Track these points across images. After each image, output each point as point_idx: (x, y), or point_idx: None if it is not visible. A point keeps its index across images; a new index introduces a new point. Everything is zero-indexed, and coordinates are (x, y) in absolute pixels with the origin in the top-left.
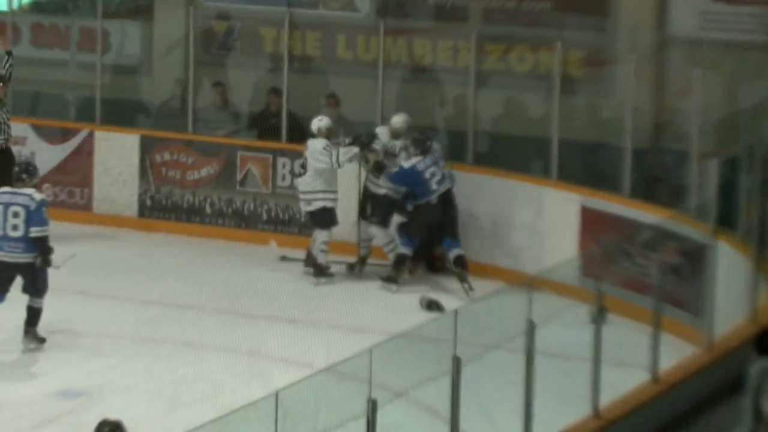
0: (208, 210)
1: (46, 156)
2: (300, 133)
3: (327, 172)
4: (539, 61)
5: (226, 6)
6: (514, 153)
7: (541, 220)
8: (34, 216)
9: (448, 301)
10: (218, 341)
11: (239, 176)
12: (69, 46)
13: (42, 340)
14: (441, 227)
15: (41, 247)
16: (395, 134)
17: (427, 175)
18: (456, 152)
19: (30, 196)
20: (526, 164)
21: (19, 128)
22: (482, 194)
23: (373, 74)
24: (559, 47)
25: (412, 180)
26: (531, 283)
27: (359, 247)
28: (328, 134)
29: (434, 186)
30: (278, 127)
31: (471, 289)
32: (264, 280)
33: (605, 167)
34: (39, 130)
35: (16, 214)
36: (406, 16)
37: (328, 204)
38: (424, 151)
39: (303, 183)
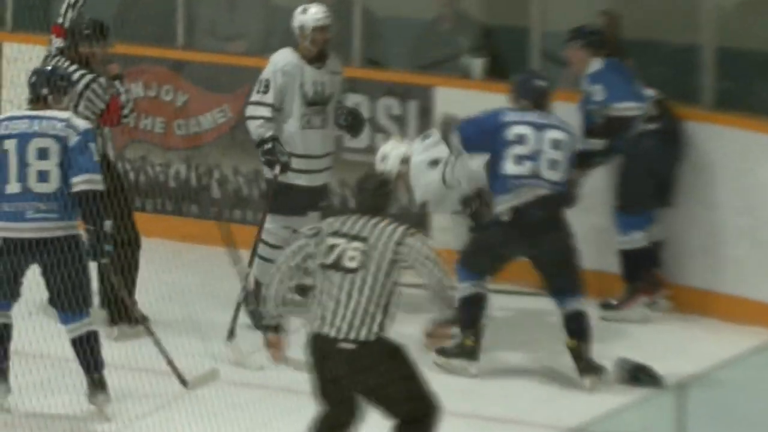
0: (214, 192)
1: None
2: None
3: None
4: None
5: None
6: None
7: None
8: (78, 155)
9: (663, 363)
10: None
11: None
12: None
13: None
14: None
15: (90, 213)
16: None
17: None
18: (675, 85)
19: (67, 121)
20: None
21: None
22: (723, 160)
23: None
24: None
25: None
26: None
27: None
28: None
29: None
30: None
31: (593, 376)
32: None
33: None
34: None
35: (42, 153)
36: None
37: None
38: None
39: None
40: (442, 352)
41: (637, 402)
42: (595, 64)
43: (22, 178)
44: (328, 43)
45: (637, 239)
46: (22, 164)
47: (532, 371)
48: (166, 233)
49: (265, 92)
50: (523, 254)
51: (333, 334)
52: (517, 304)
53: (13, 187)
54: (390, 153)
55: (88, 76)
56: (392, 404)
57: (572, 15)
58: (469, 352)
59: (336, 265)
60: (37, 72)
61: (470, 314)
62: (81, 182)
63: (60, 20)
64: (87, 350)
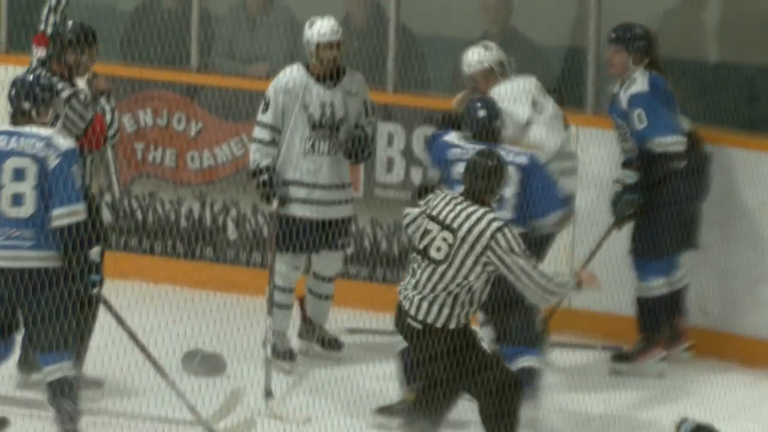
0: (230, 233)
1: None
2: (417, 73)
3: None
4: None
5: None
6: None
7: None
8: (58, 182)
9: (728, 425)
10: None
11: None
12: None
13: None
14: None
15: (72, 248)
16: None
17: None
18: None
19: (48, 140)
20: None
21: None
22: (753, 189)
23: None
24: None
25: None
26: None
27: None
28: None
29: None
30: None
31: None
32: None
33: None
34: None
35: (19, 174)
36: None
37: None
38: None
39: None
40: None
41: None
42: (639, 78)
43: None
44: (338, 60)
45: (658, 286)
46: None
47: None
48: (177, 279)
49: (265, 111)
50: None
51: (406, 307)
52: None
53: None
54: (473, 58)
55: (68, 91)
56: (473, 393)
57: None
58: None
59: (424, 252)
60: (17, 82)
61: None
62: (61, 215)
63: (41, 27)
64: (63, 398)
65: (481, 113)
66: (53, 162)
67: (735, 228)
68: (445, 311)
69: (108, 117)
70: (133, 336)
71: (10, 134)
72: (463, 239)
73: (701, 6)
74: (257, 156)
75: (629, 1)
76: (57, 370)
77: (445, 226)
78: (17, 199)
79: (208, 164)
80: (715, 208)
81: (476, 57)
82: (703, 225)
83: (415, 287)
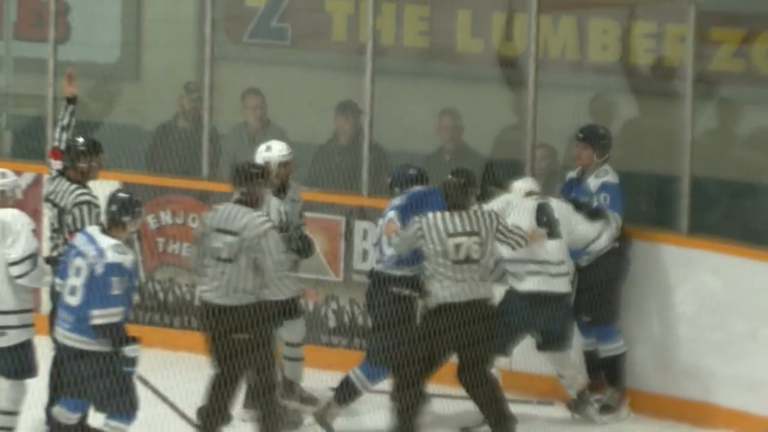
0: None
1: None
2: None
3: None
4: None
5: None
6: (759, 214)
7: None
8: (98, 288)
9: None
10: None
11: None
12: (1, 32)
13: None
14: None
15: (113, 343)
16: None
17: None
18: (655, 214)
19: (102, 251)
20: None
21: None
22: (701, 282)
23: (515, 79)
24: None
25: None
26: None
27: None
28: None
29: None
30: (355, 169)
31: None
32: None
33: None
34: None
35: (78, 271)
36: None
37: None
38: None
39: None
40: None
41: None
42: (610, 171)
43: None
44: (290, 175)
45: (621, 345)
46: (65, 275)
47: None
48: (192, 348)
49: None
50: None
51: (470, 296)
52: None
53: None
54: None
55: (86, 197)
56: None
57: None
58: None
59: (467, 260)
60: (114, 199)
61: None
62: (97, 316)
63: (56, 144)
64: None
65: (411, 171)
66: (99, 269)
67: (645, 306)
68: (489, 284)
69: None
70: (169, 403)
71: (89, 239)
72: (486, 233)
73: (609, 119)
74: None
75: (556, 121)
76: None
77: (469, 233)
78: (72, 291)
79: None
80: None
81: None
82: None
83: (468, 281)
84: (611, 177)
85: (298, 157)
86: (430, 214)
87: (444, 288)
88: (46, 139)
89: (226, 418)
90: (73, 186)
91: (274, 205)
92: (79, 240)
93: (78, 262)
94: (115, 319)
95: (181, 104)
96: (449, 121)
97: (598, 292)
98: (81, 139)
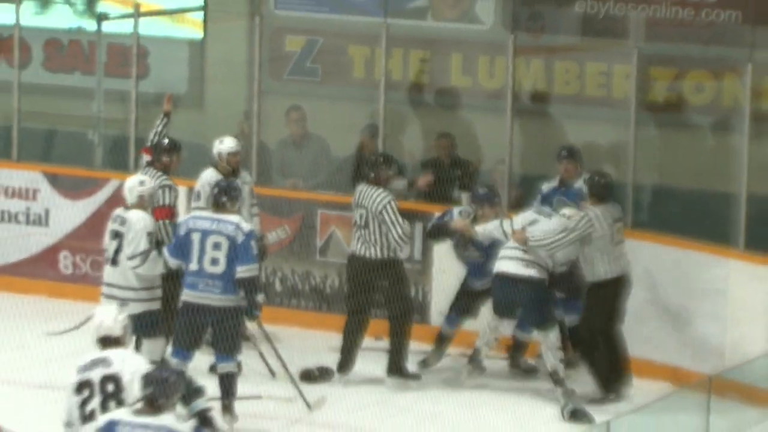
0: (277, 287)
1: (64, 215)
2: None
3: None
4: (722, 91)
5: (302, 16)
6: (685, 213)
7: (723, 303)
8: (242, 251)
9: (599, 411)
10: None
11: (319, 242)
12: (94, 70)
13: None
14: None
15: (249, 292)
16: None
17: None
18: None
19: (237, 225)
20: (702, 229)
21: (28, 177)
22: (641, 267)
23: (498, 107)
24: (749, 72)
25: None
26: (709, 386)
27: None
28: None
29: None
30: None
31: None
32: (352, 380)
33: None
34: (54, 179)
35: (217, 246)
36: (544, 30)
37: None
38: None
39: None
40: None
41: None
42: (579, 182)
43: (200, 260)
44: (238, 163)
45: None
46: (201, 250)
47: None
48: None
49: (198, 200)
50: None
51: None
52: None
53: (193, 266)
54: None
55: (167, 182)
56: None
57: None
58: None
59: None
60: (218, 185)
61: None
62: (243, 271)
63: (148, 143)
64: (227, 383)
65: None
66: (240, 238)
67: None
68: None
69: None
70: (275, 350)
71: (212, 220)
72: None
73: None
74: None
75: (526, 139)
76: (227, 367)
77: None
78: (214, 261)
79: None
80: None
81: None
82: None
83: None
84: (579, 181)
85: (329, 165)
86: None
87: (604, 264)
88: (128, 155)
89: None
90: (158, 173)
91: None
92: (200, 223)
93: (215, 239)
94: (255, 273)
95: (242, 128)
96: (445, 142)
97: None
98: (166, 140)
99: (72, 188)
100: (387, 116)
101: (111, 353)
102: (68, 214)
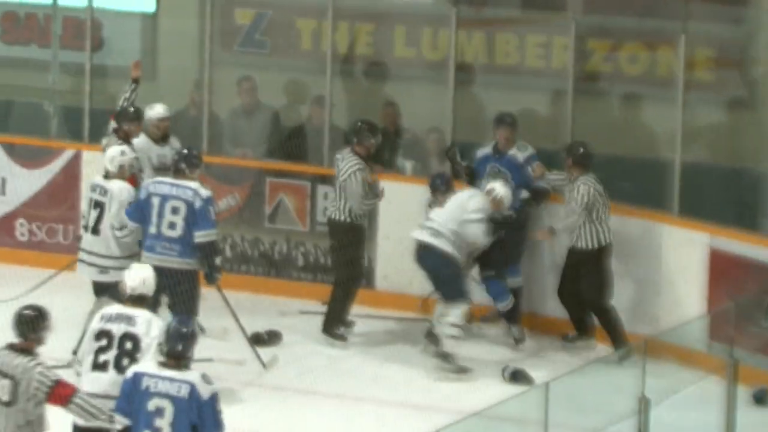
0: (227, 253)
1: (20, 183)
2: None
3: None
4: (657, 62)
5: None
6: (622, 180)
7: (658, 267)
8: (201, 217)
9: (538, 371)
10: (246, 422)
11: (268, 210)
12: (50, 42)
13: None
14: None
15: (207, 256)
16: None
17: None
18: None
19: (195, 191)
20: (639, 195)
21: None
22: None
23: (441, 78)
24: (682, 43)
25: None
26: (645, 348)
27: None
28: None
29: None
30: (319, 146)
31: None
32: (300, 344)
33: (744, 199)
34: (11, 149)
35: (175, 210)
36: (486, 3)
37: None
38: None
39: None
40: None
41: (516, 395)
42: (527, 147)
43: (159, 224)
44: (167, 129)
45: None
46: (159, 215)
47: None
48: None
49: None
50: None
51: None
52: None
53: (152, 230)
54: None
55: (126, 150)
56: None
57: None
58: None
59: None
60: (178, 152)
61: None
62: (201, 236)
63: (118, 109)
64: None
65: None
66: (198, 204)
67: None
68: None
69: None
70: (233, 313)
71: (171, 185)
72: None
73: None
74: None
75: (469, 110)
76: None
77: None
78: (172, 225)
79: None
80: None
81: None
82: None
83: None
84: (530, 150)
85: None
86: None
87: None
88: (83, 125)
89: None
90: (119, 141)
91: (154, 150)
92: (160, 187)
93: (173, 204)
94: (214, 238)
95: (192, 97)
96: (390, 110)
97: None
98: (132, 108)
99: (28, 157)
100: (334, 88)
101: (138, 313)
102: (24, 182)
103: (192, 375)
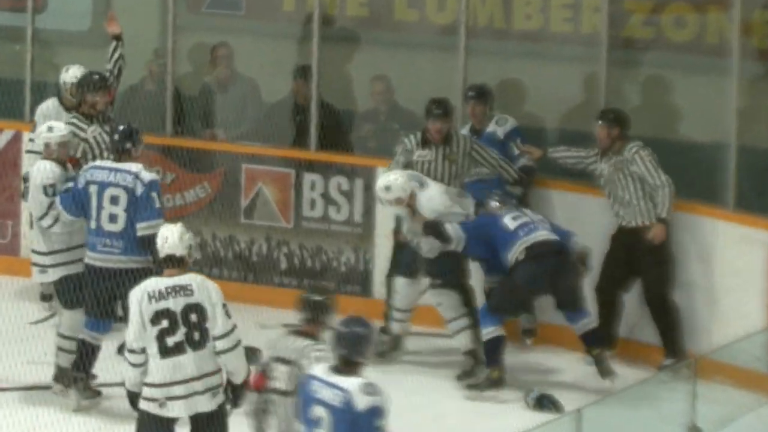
0: (197, 254)
1: None
2: (337, 135)
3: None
4: (707, 26)
5: None
6: (666, 169)
7: (710, 271)
8: (143, 204)
9: (566, 397)
10: None
11: (244, 202)
12: None
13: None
14: (552, 293)
15: (153, 253)
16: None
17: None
18: None
19: (136, 174)
20: (686, 186)
21: None
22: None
23: (448, 45)
24: (738, 4)
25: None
26: (695, 368)
27: (390, 320)
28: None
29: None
30: (305, 126)
31: (612, 375)
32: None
33: None
34: None
35: (114, 200)
36: None
37: None
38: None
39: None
40: (475, 386)
41: (542, 424)
42: (509, 120)
43: (98, 217)
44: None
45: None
46: (99, 206)
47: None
48: None
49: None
50: (545, 290)
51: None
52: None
53: (92, 224)
54: (392, 183)
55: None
56: None
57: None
58: (497, 382)
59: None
60: (120, 130)
61: (497, 352)
62: (144, 228)
63: (107, 75)
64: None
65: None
66: (140, 189)
67: None
68: None
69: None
70: None
71: (110, 170)
72: None
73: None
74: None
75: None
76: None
77: None
78: (112, 218)
79: (179, 203)
80: None
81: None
82: None
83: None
84: (511, 123)
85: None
86: None
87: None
88: (24, 100)
89: None
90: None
91: (65, 118)
92: (98, 174)
93: (112, 192)
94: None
95: (150, 68)
96: (380, 86)
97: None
98: (96, 76)
99: None
100: (323, 57)
101: (187, 279)
102: None
103: (352, 384)
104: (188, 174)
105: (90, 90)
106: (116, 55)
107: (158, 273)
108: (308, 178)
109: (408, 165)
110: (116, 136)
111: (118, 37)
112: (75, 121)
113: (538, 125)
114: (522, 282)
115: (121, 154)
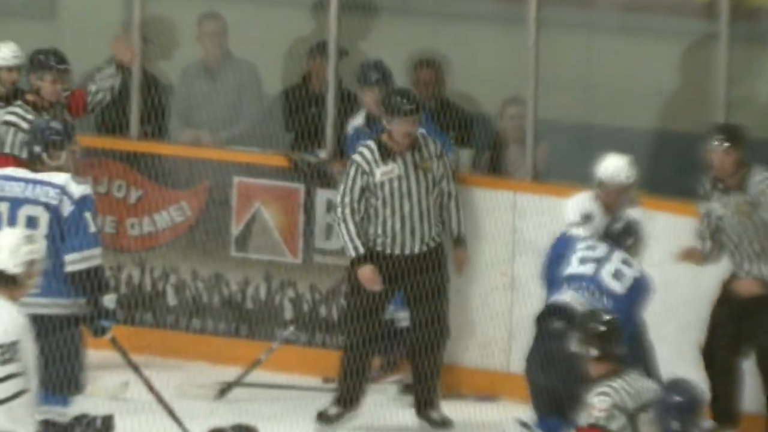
0: (170, 299)
1: None
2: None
3: None
4: None
5: None
6: None
7: None
8: (72, 228)
9: None
10: None
11: (236, 229)
12: None
13: None
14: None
15: (88, 291)
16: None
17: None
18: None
19: (62, 188)
20: None
21: None
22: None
23: (514, 17)
24: None
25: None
26: None
27: None
28: None
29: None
30: (320, 124)
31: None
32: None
33: None
34: None
35: (32, 221)
36: None
37: None
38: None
39: None
40: None
41: None
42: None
43: None
44: (16, 83)
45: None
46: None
47: None
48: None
49: None
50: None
51: None
52: None
53: None
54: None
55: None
56: None
57: None
58: None
59: None
60: (32, 128)
61: None
62: (75, 260)
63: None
64: None
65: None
66: (68, 209)
67: None
68: None
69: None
70: (142, 376)
71: (26, 182)
72: None
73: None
74: None
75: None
76: (52, 413)
77: None
78: None
79: (147, 231)
80: None
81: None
82: None
83: None
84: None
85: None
86: None
87: None
88: None
89: None
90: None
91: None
92: (11, 187)
93: (28, 211)
94: (97, 263)
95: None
96: (428, 74)
97: None
98: (41, 56)
99: None
100: (341, 31)
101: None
102: None
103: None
104: (160, 190)
105: (33, 71)
106: (110, 82)
107: (92, 320)
108: (322, 196)
109: (366, 189)
110: (28, 136)
111: (121, 65)
112: (19, 110)
113: (628, 125)
114: (530, 378)
115: (33, 161)
